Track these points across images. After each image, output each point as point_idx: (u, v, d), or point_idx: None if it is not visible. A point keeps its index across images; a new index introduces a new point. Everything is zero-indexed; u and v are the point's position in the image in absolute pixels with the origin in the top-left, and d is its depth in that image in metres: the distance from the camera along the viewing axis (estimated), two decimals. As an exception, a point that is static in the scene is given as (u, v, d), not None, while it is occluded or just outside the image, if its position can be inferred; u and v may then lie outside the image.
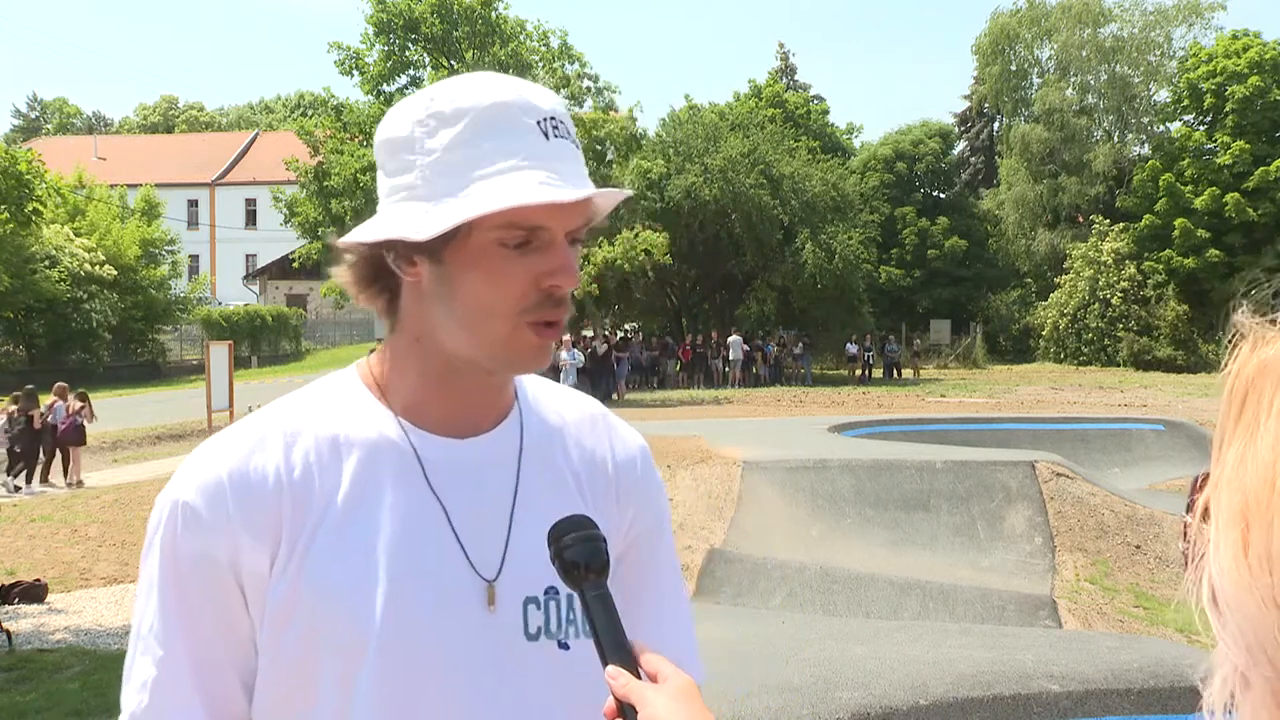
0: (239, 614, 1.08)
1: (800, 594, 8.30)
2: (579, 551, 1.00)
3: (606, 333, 29.98)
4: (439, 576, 1.09)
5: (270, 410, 1.16)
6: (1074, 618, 8.34)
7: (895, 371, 34.65)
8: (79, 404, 15.88)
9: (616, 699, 0.93)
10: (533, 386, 1.26)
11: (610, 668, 0.94)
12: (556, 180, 1.04)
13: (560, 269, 1.06)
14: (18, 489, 14.66)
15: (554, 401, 1.26)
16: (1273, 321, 0.57)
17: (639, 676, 0.94)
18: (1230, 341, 0.58)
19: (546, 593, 1.13)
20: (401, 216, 1.07)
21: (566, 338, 26.37)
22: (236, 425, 1.15)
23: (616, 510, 1.23)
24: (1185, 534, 0.60)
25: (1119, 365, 36.71)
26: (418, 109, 1.08)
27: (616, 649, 0.95)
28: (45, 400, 15.80)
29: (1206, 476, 0.58)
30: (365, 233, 1.10)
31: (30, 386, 16.12)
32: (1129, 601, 8.91)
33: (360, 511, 1.09)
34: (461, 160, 1.05)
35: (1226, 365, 0.58)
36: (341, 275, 1.15)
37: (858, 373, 33.29)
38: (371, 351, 1.21)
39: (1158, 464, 15.18)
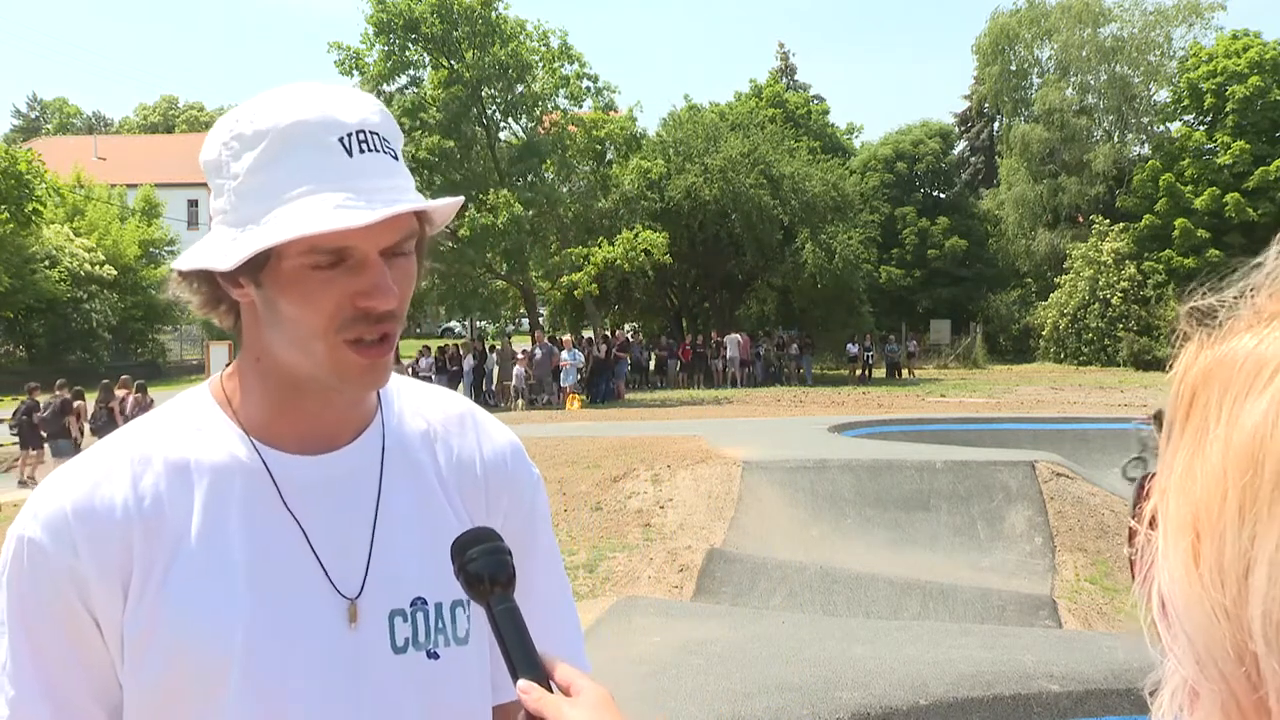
0: (94, 647, 1.05)
1: (800, 594, 8.29)
2: (484, 564, 0.98)
3: (607, 333, 29.96)
4: (298, 597, 1.08)
5: (120, 436, 1.13)
6: (1074, 618, 8.34)
7: (895, 371, 34.68)
8: (149, 398, 16.12)
9: (530, 714, 0.90)
10: (397, 390, 1.23)
11: (522, 682, 0.92)
12: (355, 200, 1.00)
13: (373, 289, 1.03)
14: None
15: (419, 404, 1.24)
16: (1220, 320, 0.55)
17: (551, 690, 0.92)
18: (1177, 341, 0.56)
19: (414, 604, 1.12)
20: (213, 243, 1.06)
21: (567, 338, 26.35)
22: (86, 454, 1.12)
23: (486, 511, 1.21)
24: (1131, 539, 0.58)
25: (1119, 365, 36.70)
26: (224, 131, 1.06)
27: (527, 662, 0.93)
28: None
29: (1152, 478, 0.56)
30: (183, 260, 1.08)
31: (106, 381, 16.31)
32: (1129, 601, 8.89)
33: (215, 537, 1.07)
34: (262, 185, 1.02)
35: (1173, 366, 0.56)
36: (190, 298, 1.13)
37: (858, 373, 33.31)
38: (228, 365, 1.21)
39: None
